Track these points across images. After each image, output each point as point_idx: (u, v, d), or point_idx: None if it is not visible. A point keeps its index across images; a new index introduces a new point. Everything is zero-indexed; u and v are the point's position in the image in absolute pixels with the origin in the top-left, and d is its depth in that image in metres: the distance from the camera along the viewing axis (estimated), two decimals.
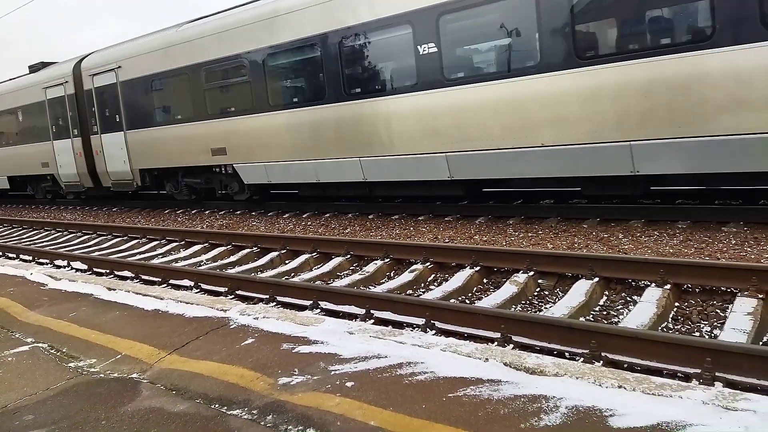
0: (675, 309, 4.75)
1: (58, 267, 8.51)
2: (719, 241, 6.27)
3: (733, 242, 6.19)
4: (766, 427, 2.25)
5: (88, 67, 14.53)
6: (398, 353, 3.36)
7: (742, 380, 3.30)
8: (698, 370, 3.39)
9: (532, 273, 5.70)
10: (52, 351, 4.16)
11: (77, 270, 8.23)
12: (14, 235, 13.24)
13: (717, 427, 2.28)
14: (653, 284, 4.98)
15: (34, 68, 17.25)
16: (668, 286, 4.88)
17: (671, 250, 6.13)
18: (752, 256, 5.66)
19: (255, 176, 11.28)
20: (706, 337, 4.25)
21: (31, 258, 9.59)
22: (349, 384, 3.05)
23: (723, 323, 4.28)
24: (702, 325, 4.44)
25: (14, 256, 9.97)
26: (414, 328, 4.71)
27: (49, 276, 6.56)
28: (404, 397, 2.84)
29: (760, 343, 4.00)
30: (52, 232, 12.71)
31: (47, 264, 8.88)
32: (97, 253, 9.80)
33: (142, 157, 13.44)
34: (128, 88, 13.37)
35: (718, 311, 4.60)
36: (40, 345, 4.32)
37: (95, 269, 8.15)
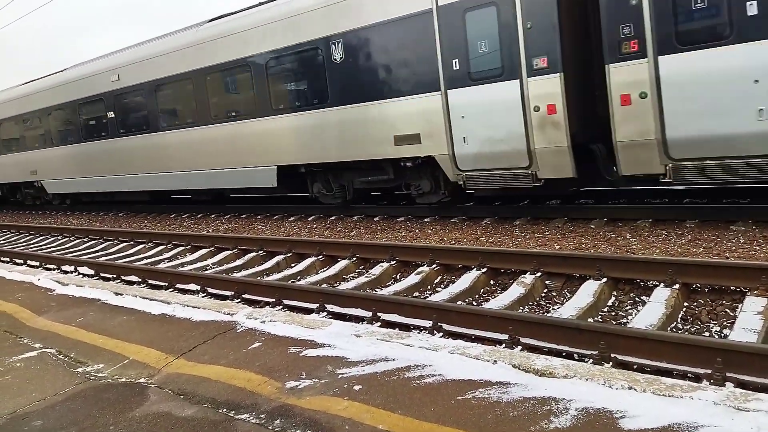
0: (684, 309, 4.71)
1: (66, 272, 8.54)
2: (728, 240, 6.22)
3: (742, 241, 6.14)
4: None
5: None
6: (406, 356, 3.35)
7: (754, 380, 3.26)
8: (709, 371, 3.36)
9: (539, 274, 5.67)
10: (60, 356, 4.17)
11: (84, 275, 8.25)
12: (21, 241, 13.31)
13: (729, 428, 2.26)
14: (662, 284, 4.94)
15: None
16: (677, 286, 4.84)
17: (680, 250, 6.08)
18: (761, 255, 5.61)
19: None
20: (716, 337, 4.21)
21: (38, 264, 9.63)
22: (356, 387, 3.04)
23: (733, 323, 4.24)
24: (712, 325, 4.41)
25: (22, 262, 10.02)
26: (421, 330, 4.69)
27: (57, 281, 6.59)
28: (412, 401, 2.83)
29: None
30: (59, 237, 12.77)
31: (54, 269, 8.92)
32: (103, 258, 9.84)
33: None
34: None
35: (728, 311, 4.56)
36: (48, 350, 4.33)
37: (102, 274, 8.17)
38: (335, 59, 9.48)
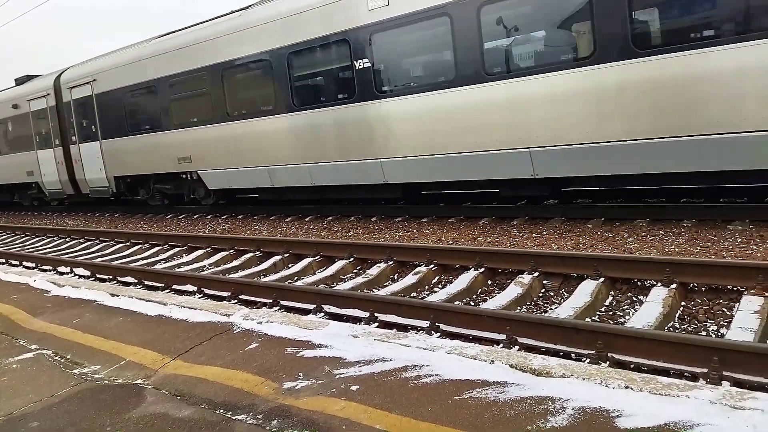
0: (681, 308, 4.72)
1: (62, 273, 8.51)
2: (725, 240, 6.24)
3: (739, 240, 6.16)
4: None
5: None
6: (403, 356, 3.35)
7: (750, 379, 3.27)
8: (705, 370, 3.37)
9: (537, 274, 5.67)
10: (57, 358, 4.15)
11: (80, 276, 8.22)
12: (17, 242, 13.27)
13: (725, 427, 2.26)
14: (659, 284, 4.95)
15: (20, 81, 17.96)
16: (674, 286, 4.85)
17: (677, 249, 6.10)
18: (758, 254, 5.63)
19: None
20: (713, 336, 4.22)
21: (34, 265, 9.60)
22: (354, 388, 3.03)
23: (730, 322, 4.25)
24: (709, 324, 4.41)
25: (17, 263, 9.98)
26: (419, 330, 4.69)
27: (53, 283, 6.57)
28: (410, 400, 2.83)
29: (767, 341, 3.98)
30: (55, 238, 12.73)
31: (50, 271, 8.89)
32: (99, 259, 9.82)
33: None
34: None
35: (725, 310, 4.57)
36: (44, 352, 4.31)
37: (98, 275, 8.15)
38: None
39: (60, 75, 15.59)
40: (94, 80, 14.24)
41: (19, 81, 17.95)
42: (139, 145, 13.40)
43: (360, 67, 9.19)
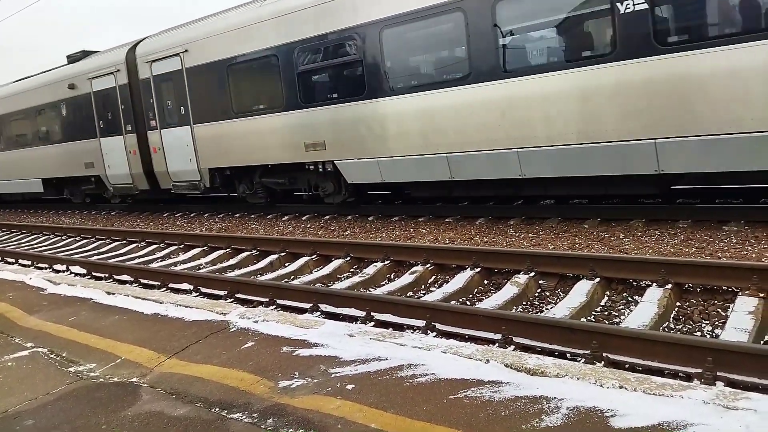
0: (676, 309, 4.74)
1: (57, 272, 8.50)
2: (720, 240, 6.26)
3: (734, 241, 6.18)
4: (767, 425, 2.24)
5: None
6: (399, 355, 3.35)
7: (743, 379, 3.29)
8: (699, 370, 3.38)
9: (533, 274, 5.69)
10: (52, 356, 4.15)
11: (76, 274, 8.20)
12: (13, 239, 13.23)
13: (718, 427, 2.28)
14: (654, 284, 4.97)
15: (73, 58, 15.33)
16: (669, 286, 4.87)
17: (672, 250, 6.12)
18: (753, 255, 5.65)
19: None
20: (708, 336, 4.23)
21: (30, 263, 9.58)
22: (349, 387, 3.04)
23: (724, 323, 4.27)
24: (703, 325, 4.43)
25: (13, 260, 9.96)
26: (415, 330, 4.70)
27: (48, 281, 6.55)
28: (405, 399, 2.83)
29: (761, 342, 3.99)
30: (51, 236, 12.69)
31: (46, 269, 8.87)
32: (95, 257, 9.80)
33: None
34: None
35: (720, 310, 4.59)
36: (39, 350, 4.30)
37: (94, 273, 8.13)
38: None
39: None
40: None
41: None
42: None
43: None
